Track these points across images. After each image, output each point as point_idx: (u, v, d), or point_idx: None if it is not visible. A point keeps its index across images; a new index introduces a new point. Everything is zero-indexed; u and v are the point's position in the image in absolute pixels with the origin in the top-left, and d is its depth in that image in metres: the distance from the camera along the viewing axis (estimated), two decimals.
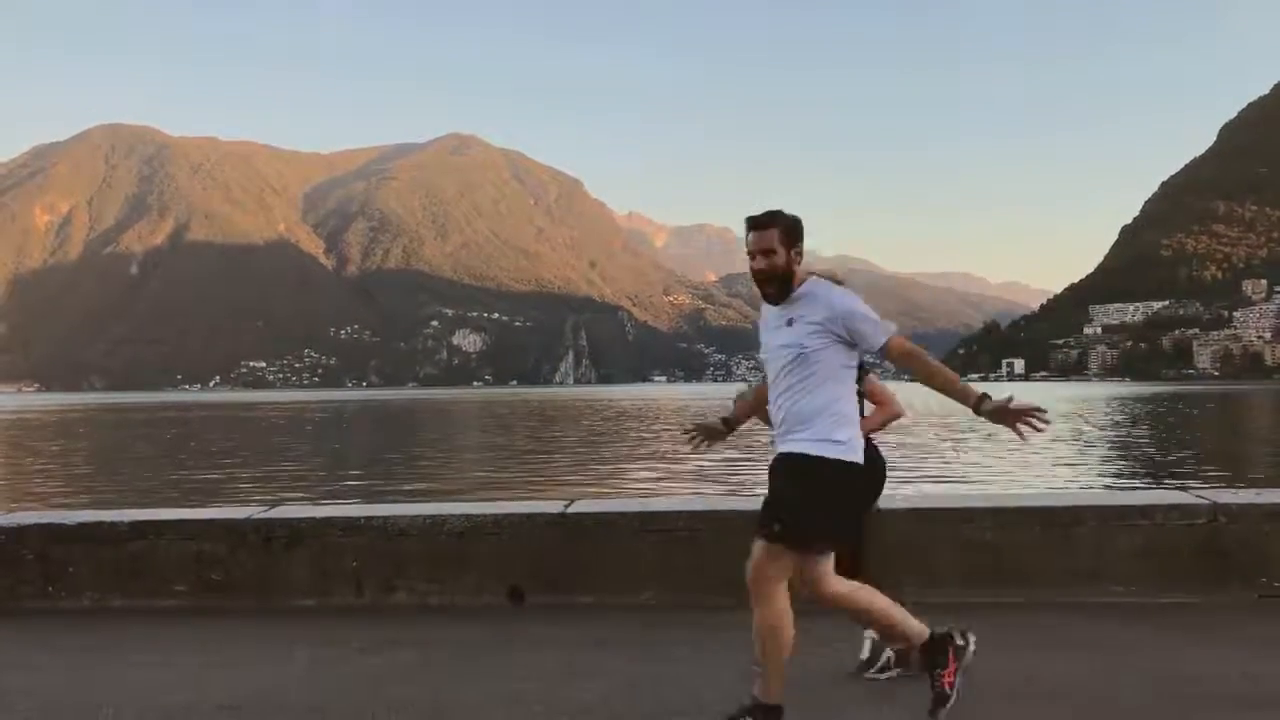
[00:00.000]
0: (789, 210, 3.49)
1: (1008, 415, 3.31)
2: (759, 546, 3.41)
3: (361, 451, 34.81)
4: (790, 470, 3.44)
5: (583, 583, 5.47)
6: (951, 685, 3.50)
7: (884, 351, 3.40)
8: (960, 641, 3.57)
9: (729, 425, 3.97)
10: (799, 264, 3.49)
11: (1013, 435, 3.30)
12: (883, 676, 4.10)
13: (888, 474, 4.37)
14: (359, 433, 50.01)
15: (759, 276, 3.47)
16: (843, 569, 3.62)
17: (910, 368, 3.41)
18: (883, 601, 3.53)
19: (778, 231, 3.44)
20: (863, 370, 4.21)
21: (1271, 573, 5.26)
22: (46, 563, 5.71)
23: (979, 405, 3.32)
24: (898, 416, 4.42)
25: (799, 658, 3.37)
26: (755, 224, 3.46)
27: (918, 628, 3.56)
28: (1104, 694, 3.90)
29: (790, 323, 3.47)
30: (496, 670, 4.40)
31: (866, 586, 3.57)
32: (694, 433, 4.04)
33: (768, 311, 3.58)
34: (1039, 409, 3.31)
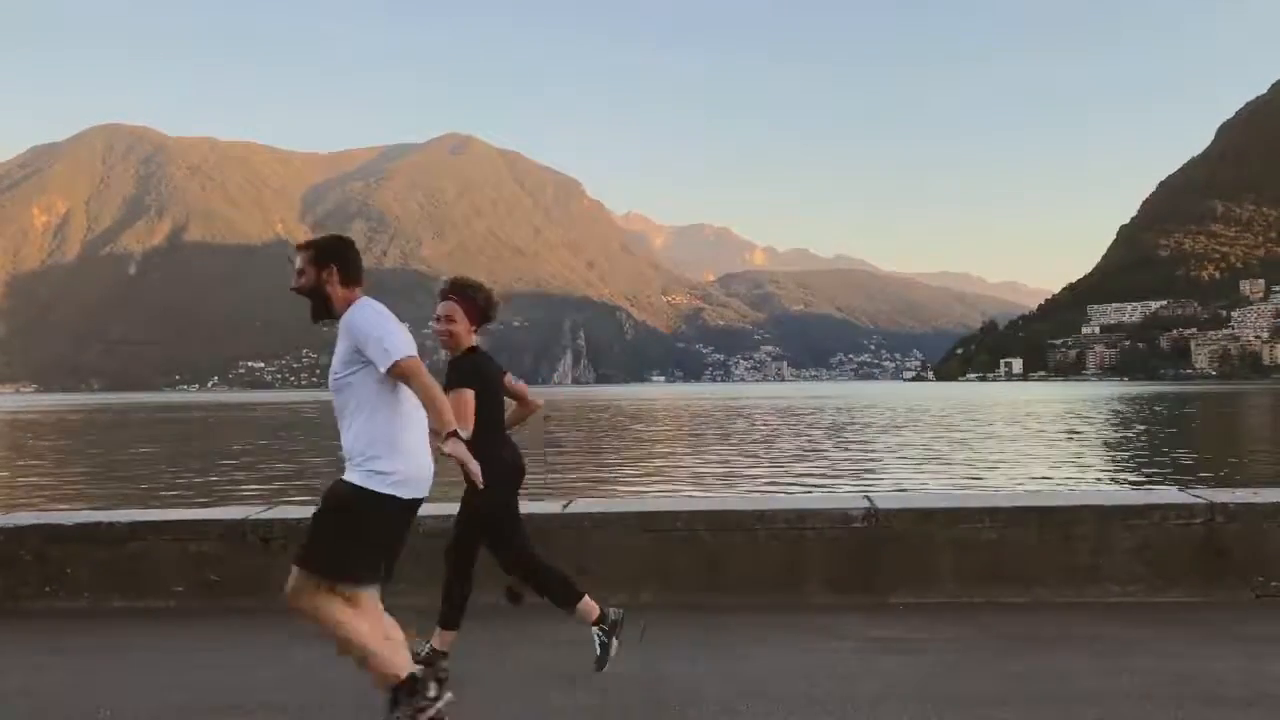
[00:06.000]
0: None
1: (459, 460, 3.36)
2: (292, 572, 3.41)
3: None
4: (325, 498, 3.44)
5: (581, 583, 5.46)
6: None
7: (391, 371, 3.32)
8: (429, 694, 3.35)
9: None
10: (335, 285, 3.49)
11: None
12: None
13: (527, 471, 4.46)
14: None
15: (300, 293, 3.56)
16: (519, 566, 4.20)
17: (412, 388, 3.37)
18: (358, 632, 3.35)
19: (309, 253, 3.53)
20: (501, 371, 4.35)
21: (1269, 572, 5.27)
22: (45, 563, 5.71)
23: (445, 440, 3.32)
24: (534, 410, 4.60)
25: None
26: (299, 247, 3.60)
27: (398, 664, 3.38)
28: (1103, 694, 3.90)
29: (335, 350, 3.49)
30: (494, 670, 4.41)
31: (355, 616, 3.38)
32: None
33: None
34: (476, 473, 3.40)
